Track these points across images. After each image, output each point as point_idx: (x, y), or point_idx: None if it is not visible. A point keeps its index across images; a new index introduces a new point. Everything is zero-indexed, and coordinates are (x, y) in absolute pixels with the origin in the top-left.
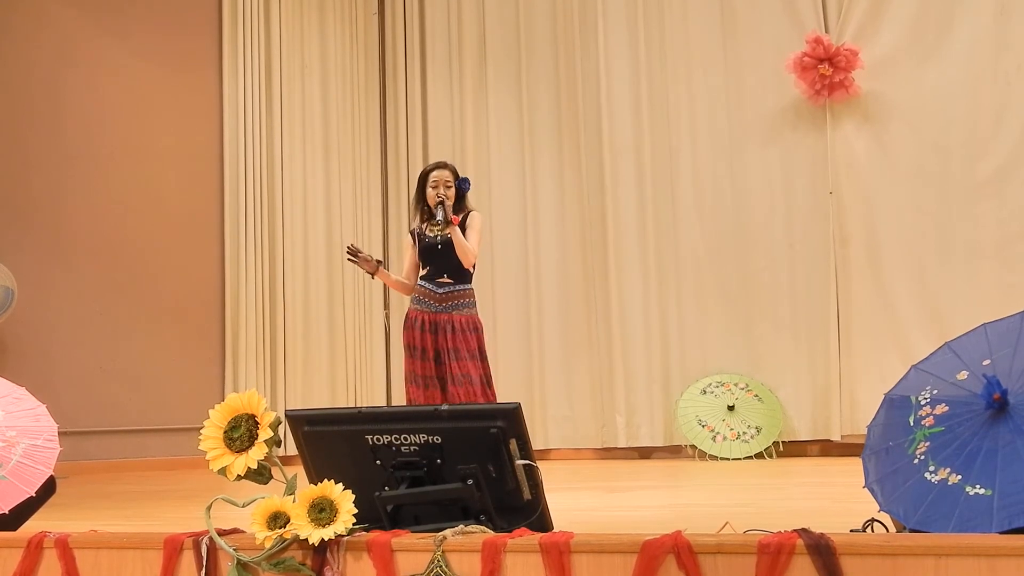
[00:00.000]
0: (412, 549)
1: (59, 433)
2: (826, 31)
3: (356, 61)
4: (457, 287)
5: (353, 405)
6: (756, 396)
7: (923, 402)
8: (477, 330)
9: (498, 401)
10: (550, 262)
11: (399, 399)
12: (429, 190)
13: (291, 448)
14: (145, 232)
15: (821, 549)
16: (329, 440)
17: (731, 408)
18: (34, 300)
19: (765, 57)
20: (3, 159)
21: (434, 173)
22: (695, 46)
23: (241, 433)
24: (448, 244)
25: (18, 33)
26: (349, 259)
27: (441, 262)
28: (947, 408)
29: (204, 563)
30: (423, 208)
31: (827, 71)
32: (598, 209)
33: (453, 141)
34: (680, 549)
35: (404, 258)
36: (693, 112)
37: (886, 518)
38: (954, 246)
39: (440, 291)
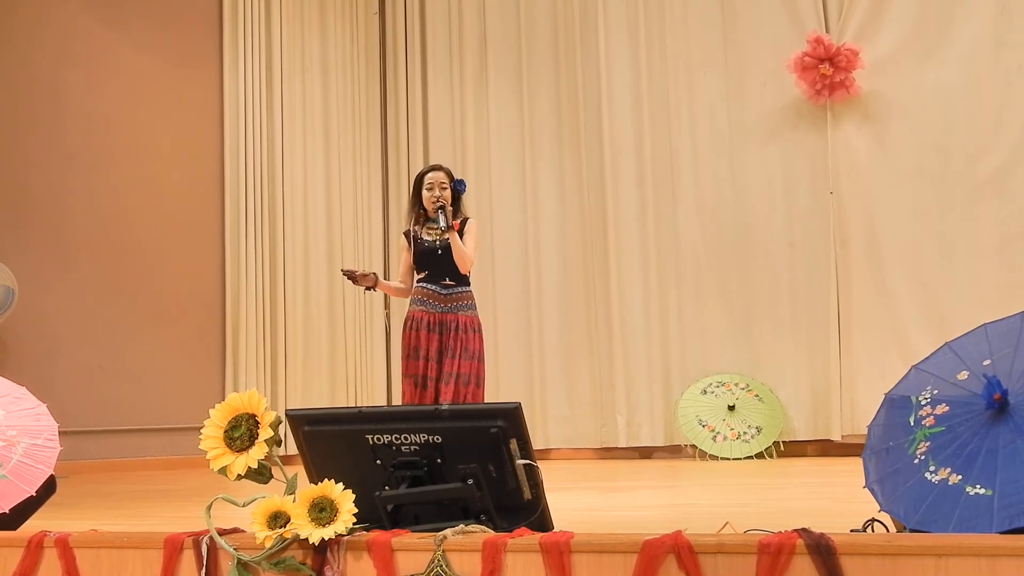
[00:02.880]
0: (412, 549)
1: (59, 432)
2: (827, 31)
3: (357, 60)
4: (459, 288)
5: (353, 405)
6: (756, 396)
7: (923, 402)
8: (478, 331)
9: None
10: (550, 262)
11: (399, 399)
12: (425, 192)
13: (291, 448)
14: (146, 231)
15: (821, 549)
16: (329, 440)
17: (731, 408)
18: (34, 300)
19: (765, 57)
20: (3, 158)
21: (429, 175)
22: (695, 46)
23: (241, 433)
24: (448, 249)
25: (19, 31)
26: (348, 279)
27: (441, 265)
28: (947, 408)
29: (204, 563)
30: (419, 211)
31: (827, 71)
32: (598, 208)
33: (454, 140)
34: (680, 549)
35: (399, 260)
36: (693, 112)
37: (886, 518)
38: (954, 246)
39: (444, 292)
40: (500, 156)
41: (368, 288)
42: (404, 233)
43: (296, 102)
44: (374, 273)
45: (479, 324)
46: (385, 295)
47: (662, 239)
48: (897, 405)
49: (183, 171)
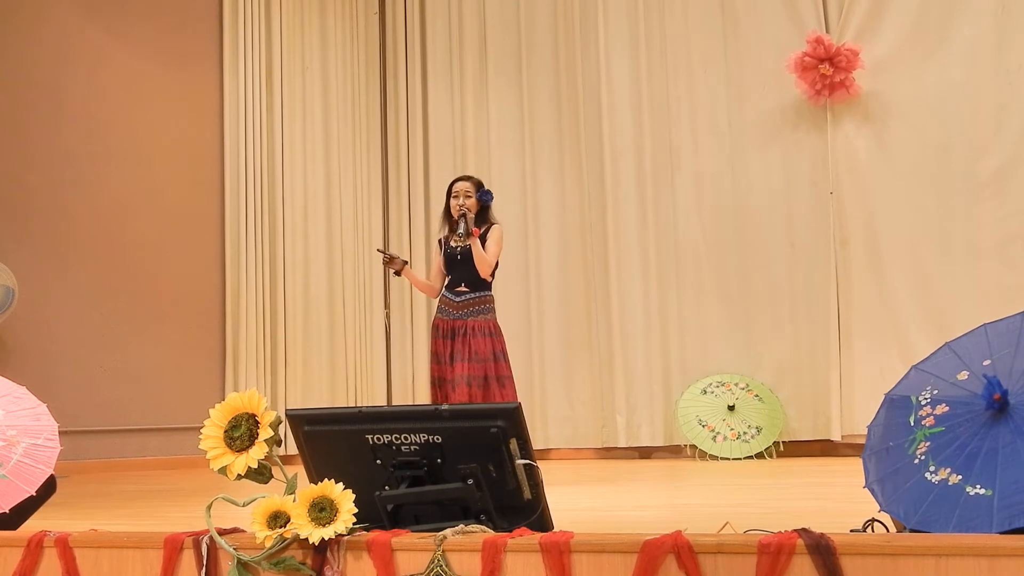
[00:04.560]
0: (412, 548)
1: (59, 432)
2: (827, 31)
3: (357, 60)
4: (473, 295)
5: (353, 405)
6: (756, 396)
7: (923, 402)
8: (492, 334)
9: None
10: (550, 262)
11: (399, 399)
12: (451, 201)
13: (291, 448)
14: (145, 231)
15: (821, 549)
16: (329, 440)
17: (731, 408)
18: (34, 299)
19: (766, 57)
20: (3, 158)
21: (456, 185)
22: (696, 46)
23: (241, 432)
24: (466, 254)
25: (18, 31)
26: (385, 264)
27: (460, 271)
28: (947, 408)
29: (204, 562)
30: (448, 219)
31: (828, 71)
32: (598, 208)
33: (454, 140)
34: (680, 549)
35: (433, 263)
36: (694, 112)
37: (886, 518)
38: (954, 246)
39: (458, 299)
40: (500, 156)
41: (396, 272)
42: (438, 240)
43: (296, 102)
44: (405, 261)
45: (493, 327)
46: (386, 291)
47: (662, 239)
48: (897, 405)
49: (183, 171)
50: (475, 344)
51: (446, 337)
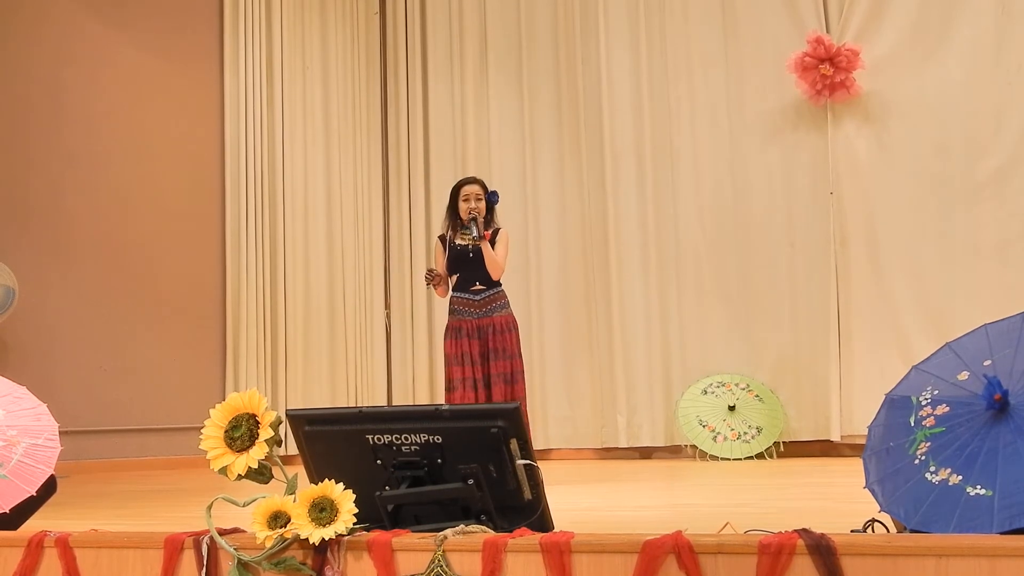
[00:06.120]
0: (413, 549)
1: (60, 432)
2: (827, 31)
3: (357, 59)
4: (491, 291)
5: (353, 405)
6: (757, 396)
7: (924, 402)
8: (513, 329)
9: (525, 392)
10: (551, 261)
11: (400, 399)
12: (461, 203)
13: (292, 448)
14: (146, 230)
15: (822, 549)
16: (330, 440)
17: (732, 408)
18: (34, 299)
19: (766, 57)
20: (3, 157)
21: (465, 187)
22: (696, 45)
23: (242, 432)
24: (479, 252)
25: (18, 30)
26: (431, 285)
27: (471, 269)
28: (948, 408)
29: (205, 562)
30: (455, 219)
31: (828, 71)
32: (599, 208)
33: (454, 140)
34: (681, 549)
35: (436, 262)
36: (694, 112)
37: (887, 518)
38: (954, 246)
39: (478, 298)
40: (500, 156)
41: (435, 286)
42: (440, 237)
43: (296, 102)
44: (440, 275)
45: (515, 322)
46: (386, 291)
47: (662, 239)
48: (897, 405)
49: (183, 170)
50: (505, 340)
51: (472, 337)
